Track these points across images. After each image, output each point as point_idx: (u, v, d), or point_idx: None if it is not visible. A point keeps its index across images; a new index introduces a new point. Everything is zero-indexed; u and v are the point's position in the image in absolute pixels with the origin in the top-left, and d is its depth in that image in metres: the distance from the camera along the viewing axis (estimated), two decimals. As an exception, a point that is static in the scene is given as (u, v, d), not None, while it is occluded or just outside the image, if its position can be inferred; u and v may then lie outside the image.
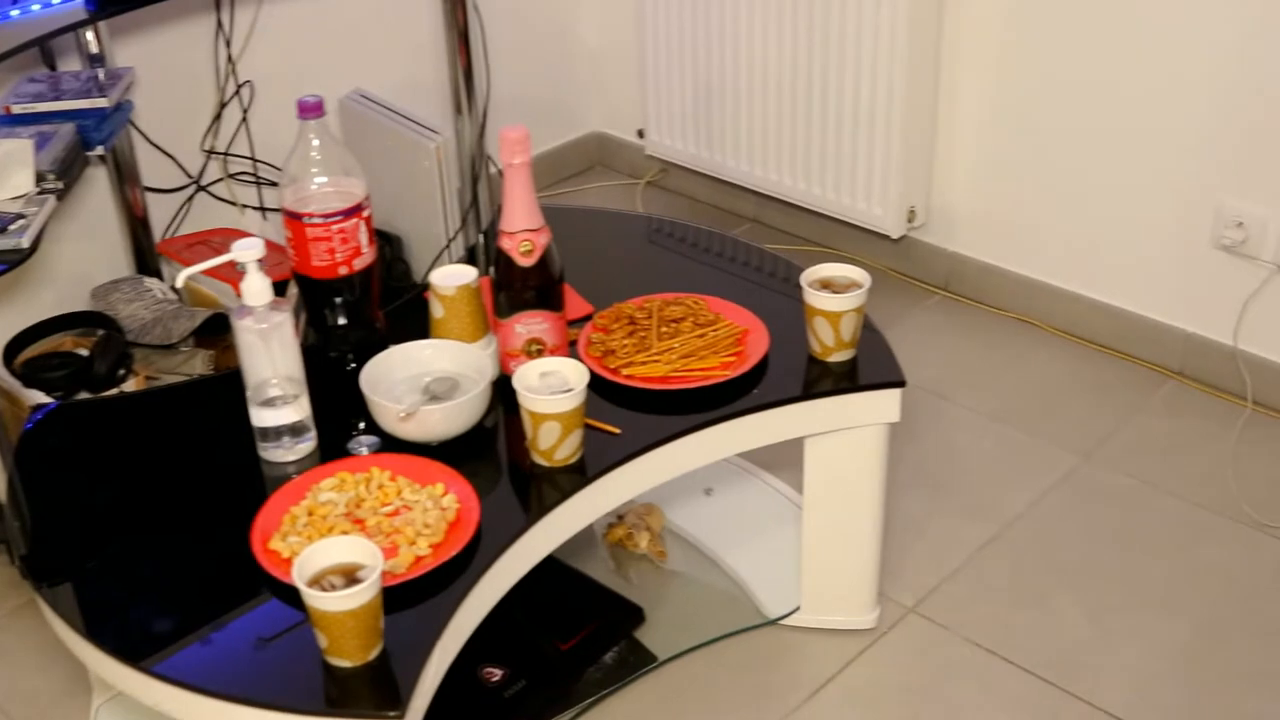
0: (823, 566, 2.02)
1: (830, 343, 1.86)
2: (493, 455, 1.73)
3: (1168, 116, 2.50)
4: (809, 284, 1.86)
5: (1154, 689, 1.99)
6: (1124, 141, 2.57)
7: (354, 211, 1.75)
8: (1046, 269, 2.79)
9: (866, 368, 1.87)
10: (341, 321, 1.81)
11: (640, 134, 3.29)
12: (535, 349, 1.77)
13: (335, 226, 1.74)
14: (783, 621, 2.08)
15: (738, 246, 2.22)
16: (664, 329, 1.89)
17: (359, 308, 1.82)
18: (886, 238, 2.90)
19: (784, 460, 2.04)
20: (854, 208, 2.86)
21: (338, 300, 1.80)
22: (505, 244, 1.72)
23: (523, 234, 1.72)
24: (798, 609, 2.07)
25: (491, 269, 1.77)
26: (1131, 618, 2.11)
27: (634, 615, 2.06)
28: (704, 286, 2.01)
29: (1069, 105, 2.62)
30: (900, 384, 1.86)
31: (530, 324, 1.76)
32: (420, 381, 1.75)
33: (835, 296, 1.83)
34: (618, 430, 1.73)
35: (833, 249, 3.06)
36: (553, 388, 1.65)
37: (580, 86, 3.47)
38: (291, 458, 1.68)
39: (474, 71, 2.36)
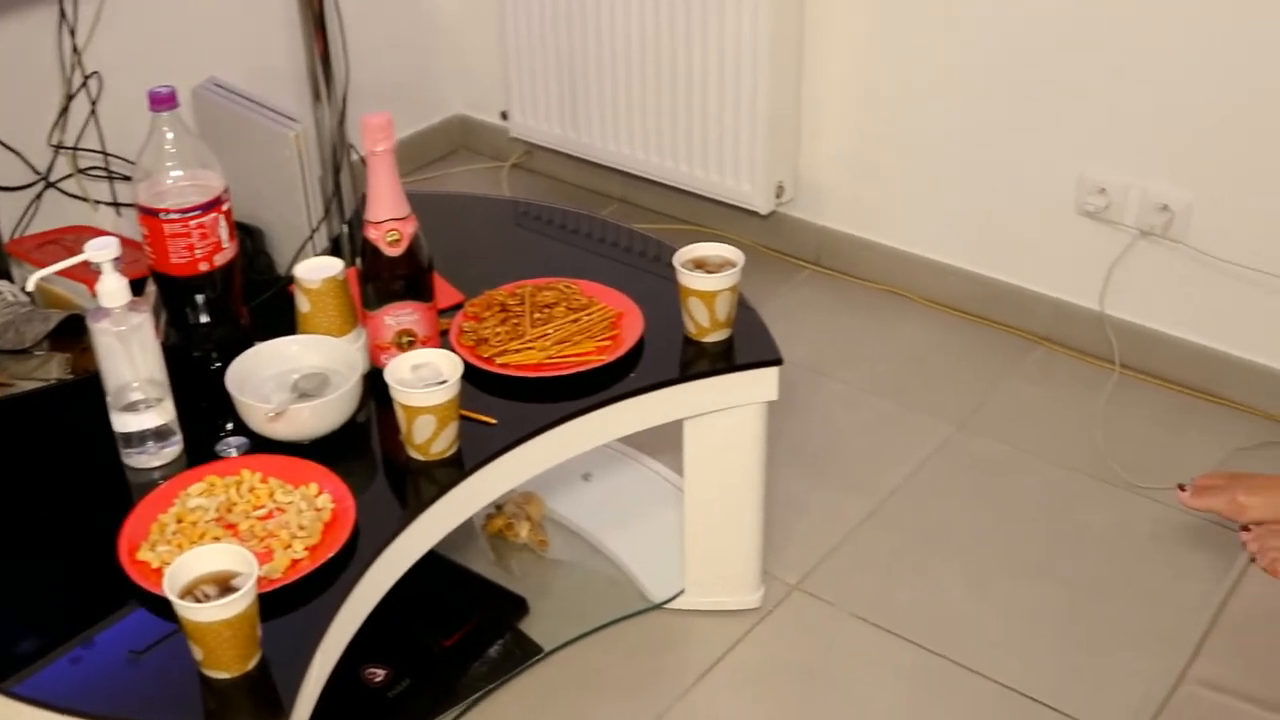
0: (705, 548, 2.02)
1: (706, 323, 1.85)
2: (367, 452, 1.70)
3: (1030, 87, 2.53)
4: (682, 264, 1.85)
5: (1035, 653, 2.02)
6: (988, 111, 2.60)
7: (212, 205, 1.69)
8: (915, 240, 2.82)
9: (743, 347, 1.87)
10: (204, 320, 1.75)
11: (503, 116, 3.25)
12: (406, 341, 1.73)
13: (194, 222, 1.68)
14: (668, 605, 2.07)
15: (607, 228, 2.20)
16: (537, 315, 1.87)
17: (222, 305, 1.76)
18: (756, 214, 2.90)
19: (663, 443, 2.03)
20: (722, 185, 2.86)
21: (199, 298, 1.74)
22: (371, 234, 1.68)
23: (389, 223, 1.68)
24: (682, 592, 2.06)
25: (358, 260, 1.72)
26: (1011, 583, 2.14)
27: (517, 607, 2.03)
28: (576, 270, 1.99)
29: (932, 76, 2.64)
30: (777, 362, 1.85)
31: (400, 315, 1.72)
32: (289, 379, 1.71)
33: (709, 276, 1.82)
34: (494, 421, 1.70)
35: (702, 227, 3.06)
36: (426, 380, 1.62)
37: (441, 69, 3.42)
38: (157, 463, 1.63)
39: (331, 56, 2.31)
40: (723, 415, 1.88)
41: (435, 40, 3.36)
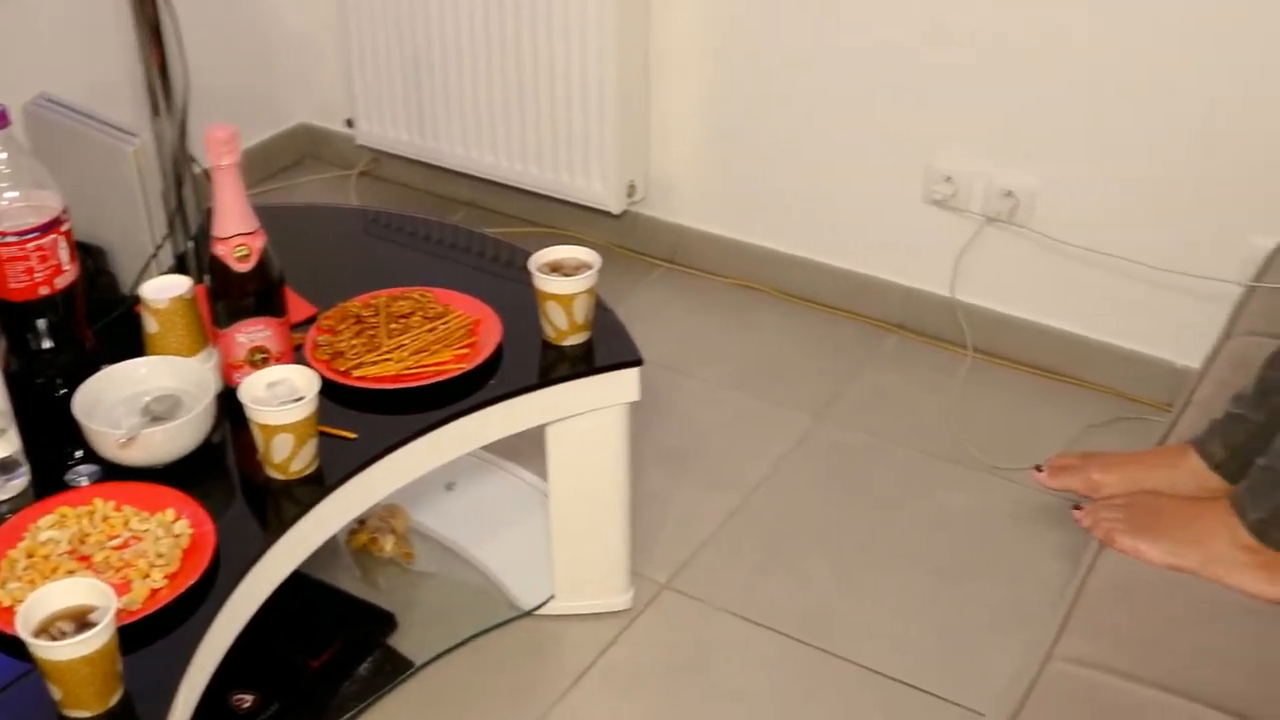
0: (573, 552, 2.01)
1: (564, 326, 1.84)
2: (224, 473, 1.66)
3: (876, 77, 2.57)
4: (538, 268, 1.84)
5: (904, 637, 2.05)
6: (836, 104, 2.63)
7: (51, 226, 1.64)
8: (768, 234, 2.84)
9: (602, 349, 1.87)
10: (47, 345, 1.70)
11: (349, 123, 3.21)
12: (260, 358, 1.70)
13: (32, 244, 1.63)
14: (538, 612, 2.06)
15: (460, 234, 2.19)
16: (393, 326, 1.84)
17: (65, 329, 1.71)
18: (609, 214, 2.90)
19: (527, 447, 2.02)
20: (573, 185, 2.85)
21: (40, 323, 1.69)
22: (219, 250, 1.65)
23: (237, 238, 1.64)
24: (552, 597, 2.06)
25: (206, 277, 1.69)
26: (877, 570, 2.17)
27: (385, 622, 2.01)
28: (430, 278, 1.97)
29: (780, 71, 2.66)
30: (637, 363, 1.85)
31: (252, 332, 1.69)
32: (139, 402, 1.66)
33: (566, 279, 1.82)
34: (354, 435, 1.68)
35: (555, 229, 3.05)
36: (282, 397, 1.59)
37: (284, 77, 3.36)
38: (3, 497, 1.57)
39: (169, 67, 2.25)
40: (585, 418, 1.87)
41: (277, 48, 3.30)
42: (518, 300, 1.89)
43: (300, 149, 3.45)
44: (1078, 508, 1.71)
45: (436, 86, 2.95)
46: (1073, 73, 2.38)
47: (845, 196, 2.70)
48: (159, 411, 1.64)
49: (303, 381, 1.61)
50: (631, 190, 2.85)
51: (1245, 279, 2.18)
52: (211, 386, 1.64)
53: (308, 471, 1.61)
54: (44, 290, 1.66)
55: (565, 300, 1.82)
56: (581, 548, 2.01)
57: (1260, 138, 2.28)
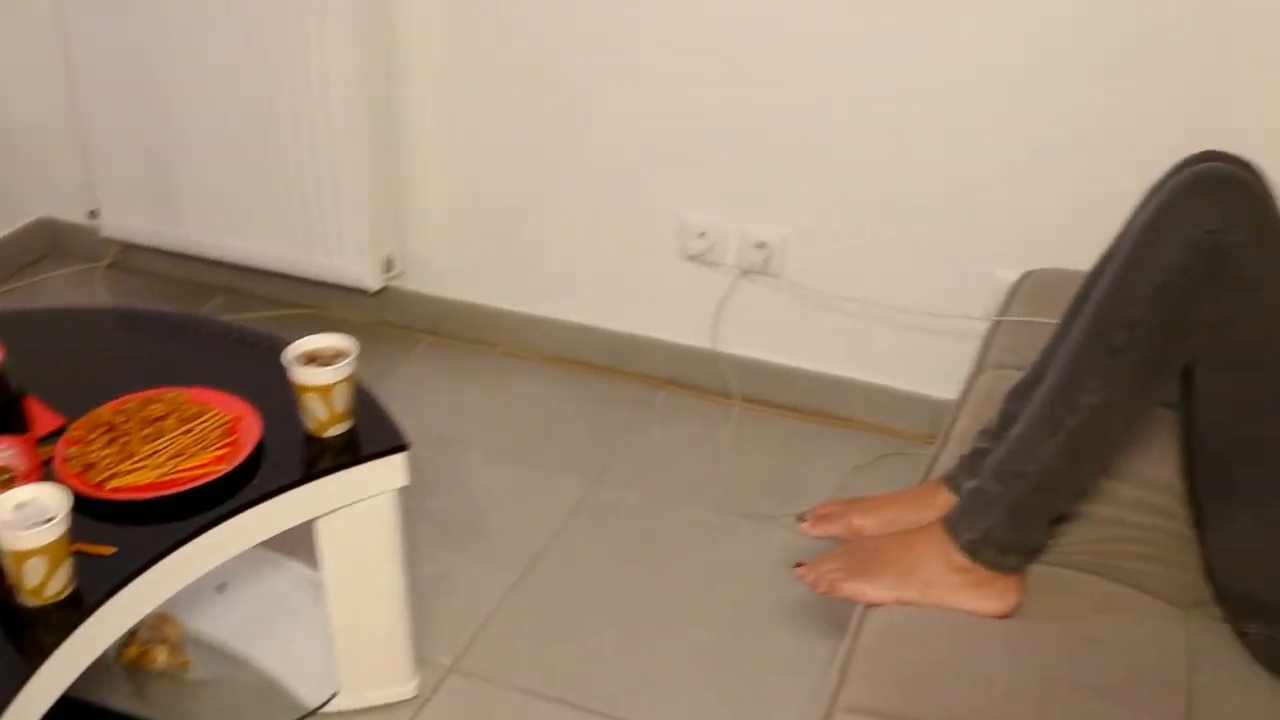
0: (354, 644, 1.97)
1: (325, 417, 1.81)
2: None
3: (625, 137, 2.60)
4: (294, 361, 1.80)
5: (694, 697, 2.06)
6: (587, 166, 2.66)
7: None
8: (531, 300, 2.85)
9: (366, 436, 1.84)
10: None
11: (92, 215, 3.10)
12: (5, 478, 1.62)
13: None
14: (323, 710, 2.00)
15: (214, 325, 2.13)
16: (146, 431, 1.78)
17: None
18: (367, 291, 2.86)
19: (300, 537, 1.98)
20: (329, 265, 2.81)
21: None
22: (-49, 371, 1.58)
23: (-31, 357, 1.58)
24: (337, 693, 2.01)
25: (-61, 400, 1.61)
26: (663, 631, 2.18)
27: (162, 738, 1.94)
28: (185, 376, 1.91)
29: (530, 137, 2.68)
30: (403, 448, 1.83)
31: (-7, 453, 1.62)
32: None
33: (323, 370, 1.78)
34: (111, 550, 1.61)
35: (315, 309, 3.00)
36: (32, 519, 1.52)
37: (19, 170, 3.23)
38: None
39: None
40: (354, 508, 1.84)
41: (10, 140, 3.18)
42: (277, 392, 1.85)
43: (42, 245, 3.32)
44: (800, 565, 1.74)
45: (181, 173, 2.88)
46: (818, 124, 2.46)
47: (603, 257, 2.73)
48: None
49: (53, 500, 1.54)
50: (389, 265, 2.82)
51: (992, 313, 2.27)
52: (-49, 514, 1.57)
53: (65, 594, 1.54)
54: None
55: (323, 391, 1.79)
56: (362, 639, 1.97)
57: (1000, 172, 2.39)
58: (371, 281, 2.80)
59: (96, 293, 3.15)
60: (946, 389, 2.50)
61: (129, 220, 3.02)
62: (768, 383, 2.69)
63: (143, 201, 2.97)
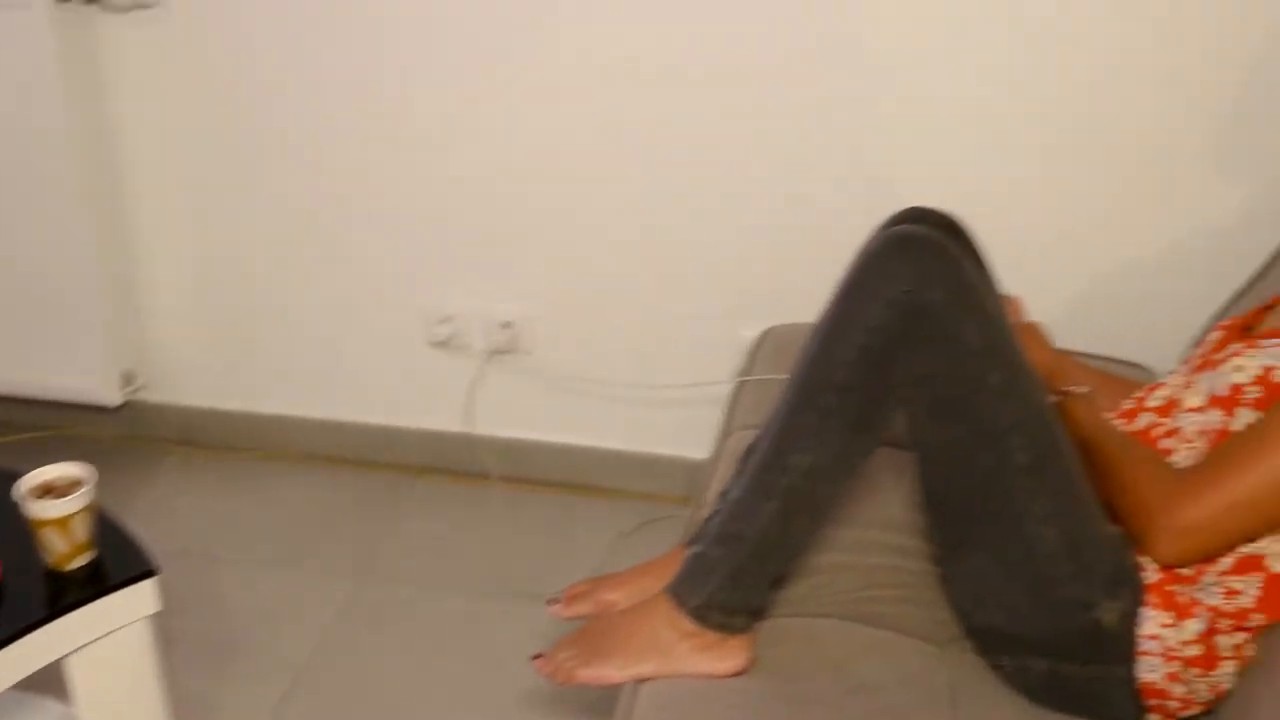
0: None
1: (65, 550, 1.73)
2: None
3: (364, 228, 2.58)
4: (26, 495, 1.72)
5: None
6: (326, 260, 2.62)
7: None
8: (280, 401, 2.80)
9: (112, 564, 1.76)
10: None
11: None
12: None
13: None
14: None
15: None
16: None
17: None
18: (103, 409, 2.76)
19: (54, 677, 1.89)
20: (64, 385, 2.70)
21: None
22: None
23: None
24: (104, 834, 1.91)
25: None
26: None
27: None
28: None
29: (266, 233, 2.64)
30: (151, 573, 1.76)
31: None
32: None
33: (59, 502, 1.70)
34: None
35: (54, 430, 2.88)
36: None
37: None
38: None
39: None
40: (105, 641, 1.76)
41: None
42: (11, 527, 1.77)
43: None
44: (537, 656, 1.74)
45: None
46: (557, 203, 2.48)
47: (351, 351, 2.70)
48: None
49: None
50: (129, 379, 2.73)
51: (736, 374, 2.32)
52: None
53: None
54: None
55: (61, 524, 1.71)
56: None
57: (734, 237, 2.44)
58: (111, 397, 2.70)
59: None
60: (703, 450, 2.54)
61: None
62: (526, 460, 2.68)
63: None
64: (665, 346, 2.53)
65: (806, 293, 2.32)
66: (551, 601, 1.87)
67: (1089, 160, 2.27)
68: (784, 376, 1.85)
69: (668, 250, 2.47)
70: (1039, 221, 2.33)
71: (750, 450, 1.80)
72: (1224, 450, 1.56)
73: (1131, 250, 2.33)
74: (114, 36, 2.51)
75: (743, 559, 1.61)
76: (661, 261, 2.49)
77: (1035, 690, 1.64)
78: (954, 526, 1.67)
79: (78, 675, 1.79)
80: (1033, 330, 1.91)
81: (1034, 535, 1.58)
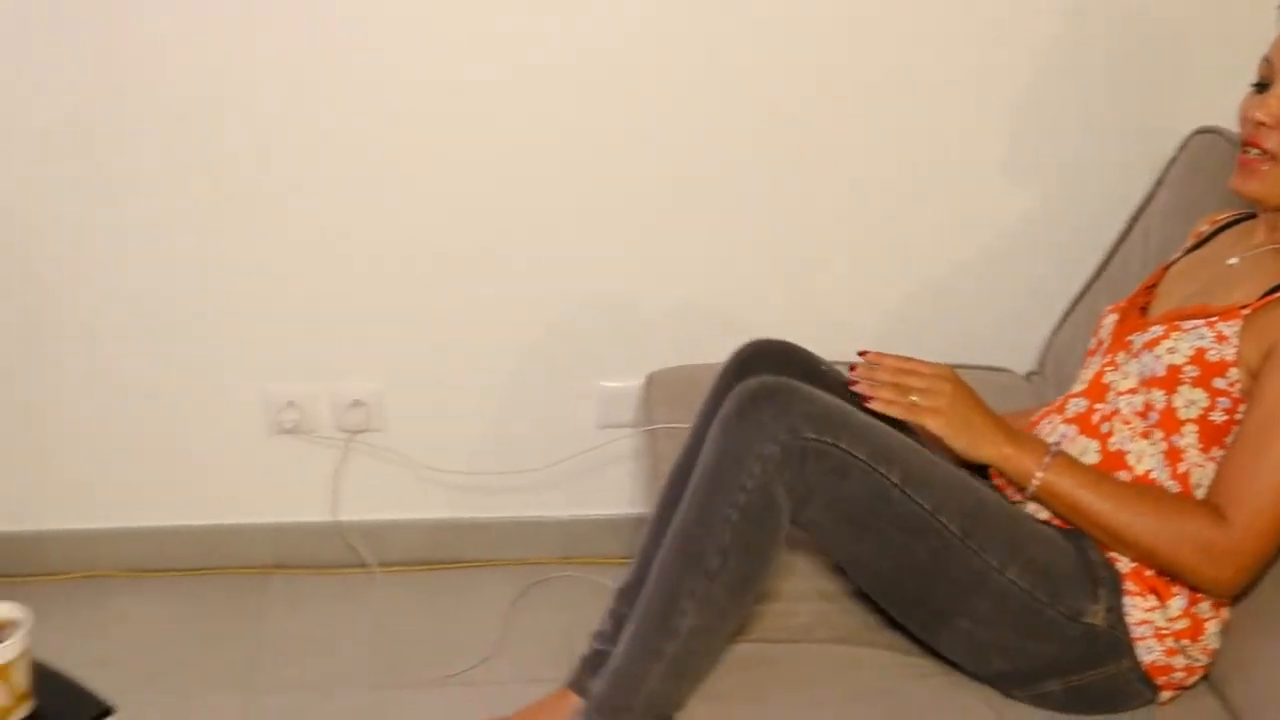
0: None
1: (8, 702, 1.45)
2: None
3: (196, 311, 2.28)
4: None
5: None
6: (151, 346, 2.30)
7: None
8: (104, 515, 2.43)
9: (59, 709, 1.49)
10: None
11: None
12: None
13: None
14: None
15: None
16: None
17: None
18: None
19: None
20: None
21: None
22: None
23: None
24: None
25: None
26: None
27: None
28: None
29: (65, 338, 2.29)
30: (109, 712, 1.51)
31: None
32: None
33: (2, 647, 1.43)
34: None
35: None
36: None
37: None
38: None
39: None
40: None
41: None
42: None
43: None
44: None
45: None
46: (388, 273, 2.28)
47: (184, 448, 2.38)
48: None
49: None
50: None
51: (614, 422, 2.22)
52: None
53: None
54: None
55: (4, 672, 1.44)
56: None
57: (588, 297, 2.33)
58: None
59: None
60: (572, 508, 2.43)
61: None
62: (396, 541, 2.46)
63: None
64: (526, 409, 2.38)
65: (654, 340, 2.28)
66: None
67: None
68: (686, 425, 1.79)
69: (515, 311, 2.33)
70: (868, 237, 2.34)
71: (624, 591, 1.78)
72: (1237, 458, 1.56)
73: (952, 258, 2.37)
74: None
75: None
76: (509, 325, 2.34)
77: (1059, 706, 1.64)
78: (920, 610, 1.65)
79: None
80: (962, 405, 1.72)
81: (1000, 586, 1.57)
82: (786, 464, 1.48)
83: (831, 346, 1.84)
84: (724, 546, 1.51)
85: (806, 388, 1.54)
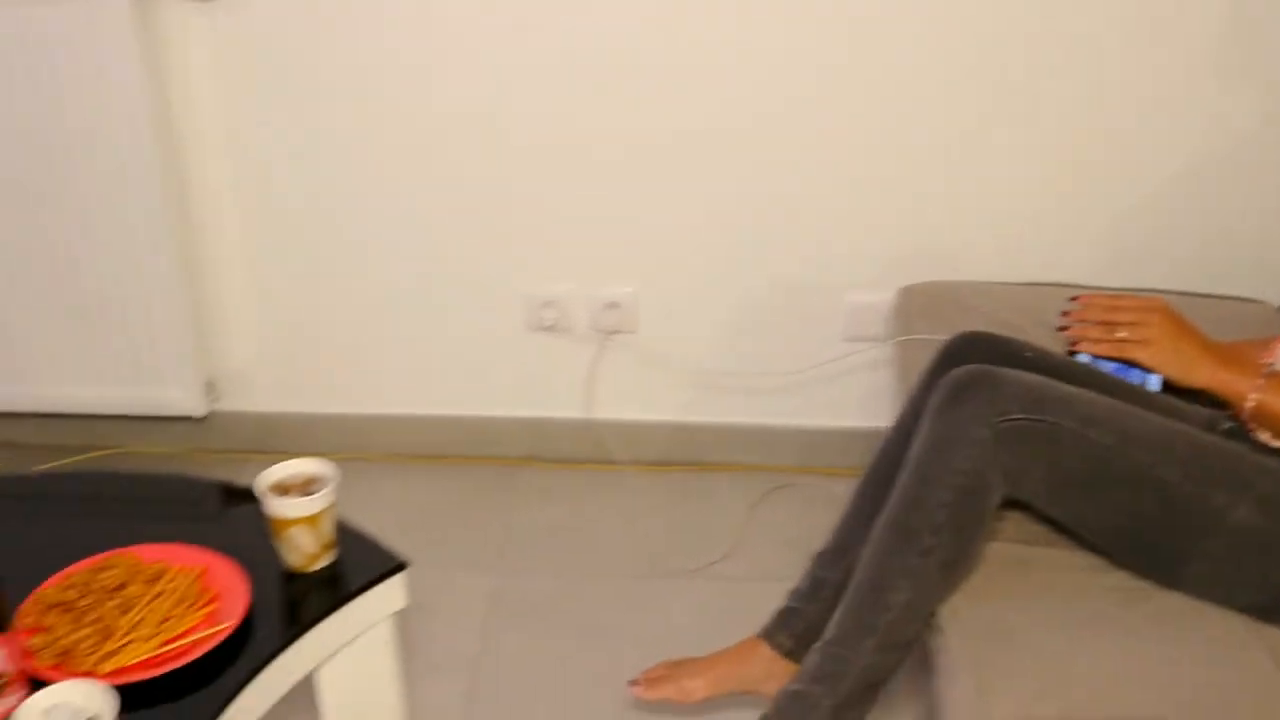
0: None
1: (314, 549, 1.56)
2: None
3: (455, 216, 2.40)
4: (269, 492, 1.56)
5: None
6: (415, 253, 2.44)
7: None
8: (369, 400, 2.60)
9: (355, 562, 1.61)
10: None
11: None
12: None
13: None
14: None
15: (99, 479, 1.83)
16: (114, 602, 1.49)
17: None
18: (183, 419, 2.56)
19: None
20: (144, 397, 2.49)
21: None
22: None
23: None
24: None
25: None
26: (629, 705, 2.02)
27: None
28: (113, 536, 1.61)
29: (352, 231, 2.44)
30: (402, 566, 1.62)
31: (-19, 658, 1.31)
32: None
33: (311, 498, 1.54)
34: (143, 743, 1.34)
35: (118, 448, 2.65)
36: (67, 725, 1.24)
37: None
38: None
39: None
40: (357, 642, 1.61)
41: None
42: (225, 535, 1.60)
43: None
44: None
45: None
46: (648, 176, 2.35)
47: (446, 344, 2.52)
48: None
49: (83, 697, 1.27)
50: (211, 388, 2.53)
51: (854, 335, 2.26)
52: (-40, 741, 1.26)
53: (113, 805, 1.26)
54: None
55: (312, 521, 1.55)
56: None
57: (836, 199, 2.35)
58: (196, 407, 2.49)
59: None
60: (811, 417, 2.47)
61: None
62: (641, 440, 2.55)
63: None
64: (774, 316, 2.43)
65: (902, 256, 2.28)
66: (632, 683, 1.88)
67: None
68: (944, 337, 1.82)
69: (767, 222, 2.37)
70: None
71: (823, 555, 1.84)
72: None
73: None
74: (181, 25, 2.30)
75: (844, 695, 1.63)
76: (761, 235, 2.38)
77: None
78: (1160, 559, 1.65)
79: (328, 680, 1.64)
80: (1180, 332, 1.74)
81: (1233, 523, 1.57)
82: (1000, 446, 1.54)
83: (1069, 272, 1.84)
84: (937, 526, 1.57)
85: (1011, 371, 1.59)
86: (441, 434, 2.60)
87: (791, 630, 1.81)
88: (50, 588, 1.52)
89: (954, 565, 1.60)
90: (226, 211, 2.45)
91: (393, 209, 2.41)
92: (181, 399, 2.48)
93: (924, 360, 2.02)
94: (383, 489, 2.54)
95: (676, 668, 1.86)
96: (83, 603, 1.49)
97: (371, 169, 2.38)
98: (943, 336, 1.87)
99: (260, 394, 2.62)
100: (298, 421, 2.63)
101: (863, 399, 2.49)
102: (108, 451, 2.64)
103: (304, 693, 1.59)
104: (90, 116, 2.27)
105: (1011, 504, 1.65)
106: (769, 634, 1.84)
